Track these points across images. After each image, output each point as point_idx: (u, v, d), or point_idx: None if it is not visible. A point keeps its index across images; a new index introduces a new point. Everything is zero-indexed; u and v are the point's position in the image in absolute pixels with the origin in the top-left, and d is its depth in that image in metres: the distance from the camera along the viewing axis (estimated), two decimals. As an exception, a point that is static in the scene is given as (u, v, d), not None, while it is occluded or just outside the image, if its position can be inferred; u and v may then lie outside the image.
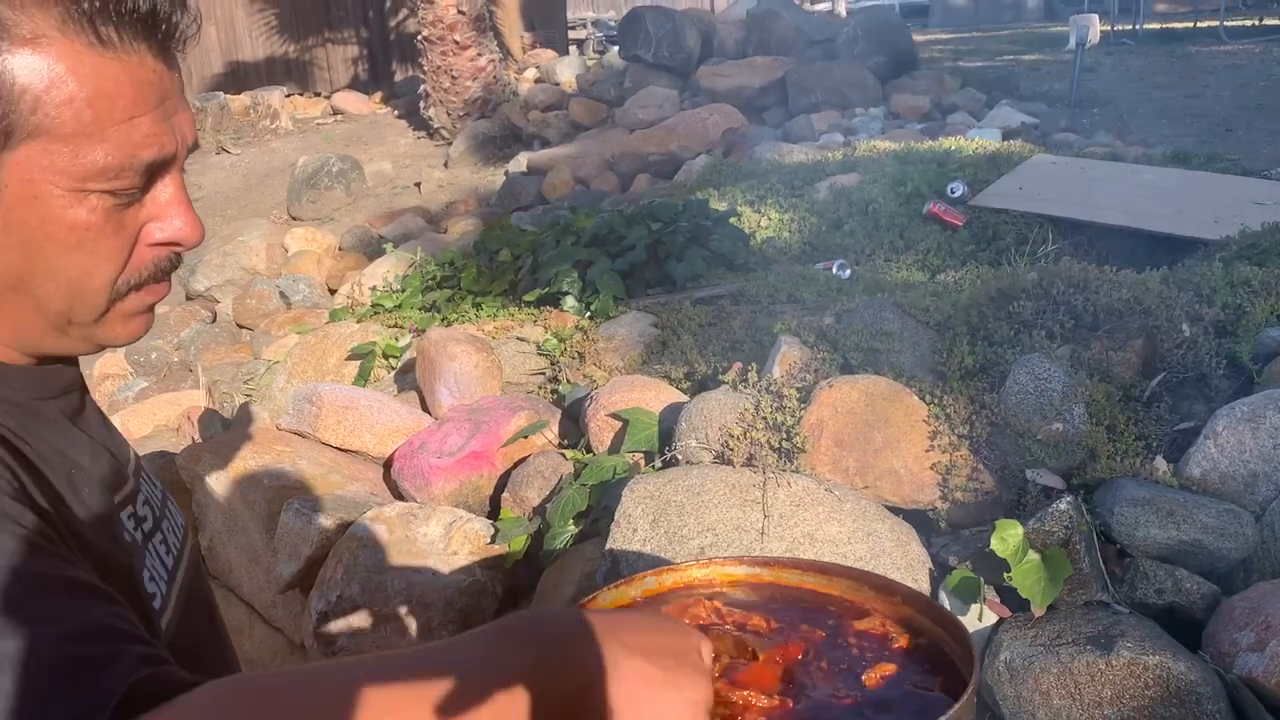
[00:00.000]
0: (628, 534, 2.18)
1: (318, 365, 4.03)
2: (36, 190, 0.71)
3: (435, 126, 10.30)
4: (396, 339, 4.02)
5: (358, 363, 3.90)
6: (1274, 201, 4.11)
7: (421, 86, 10.41)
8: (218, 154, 10.68)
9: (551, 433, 2.91)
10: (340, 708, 0.57)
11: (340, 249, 7.47)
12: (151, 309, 0.82)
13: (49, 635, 0.59)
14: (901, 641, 1.03)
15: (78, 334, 0.77)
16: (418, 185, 9.21)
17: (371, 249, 7.15)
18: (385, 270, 5.47)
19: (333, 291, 6.62)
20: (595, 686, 0.65)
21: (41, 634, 0.59)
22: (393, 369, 3.90)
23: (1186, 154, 5.08)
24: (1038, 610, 2.02)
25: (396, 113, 11.60)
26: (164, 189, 0.77)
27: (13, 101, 0.69)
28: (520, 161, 8.58)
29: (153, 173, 0.76)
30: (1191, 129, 7.23)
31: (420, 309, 4.38)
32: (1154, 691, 1.86)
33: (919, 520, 2.31)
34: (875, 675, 0.97)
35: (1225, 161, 4.95)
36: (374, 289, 5.24)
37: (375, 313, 4.56)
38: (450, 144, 9.88)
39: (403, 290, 4.77)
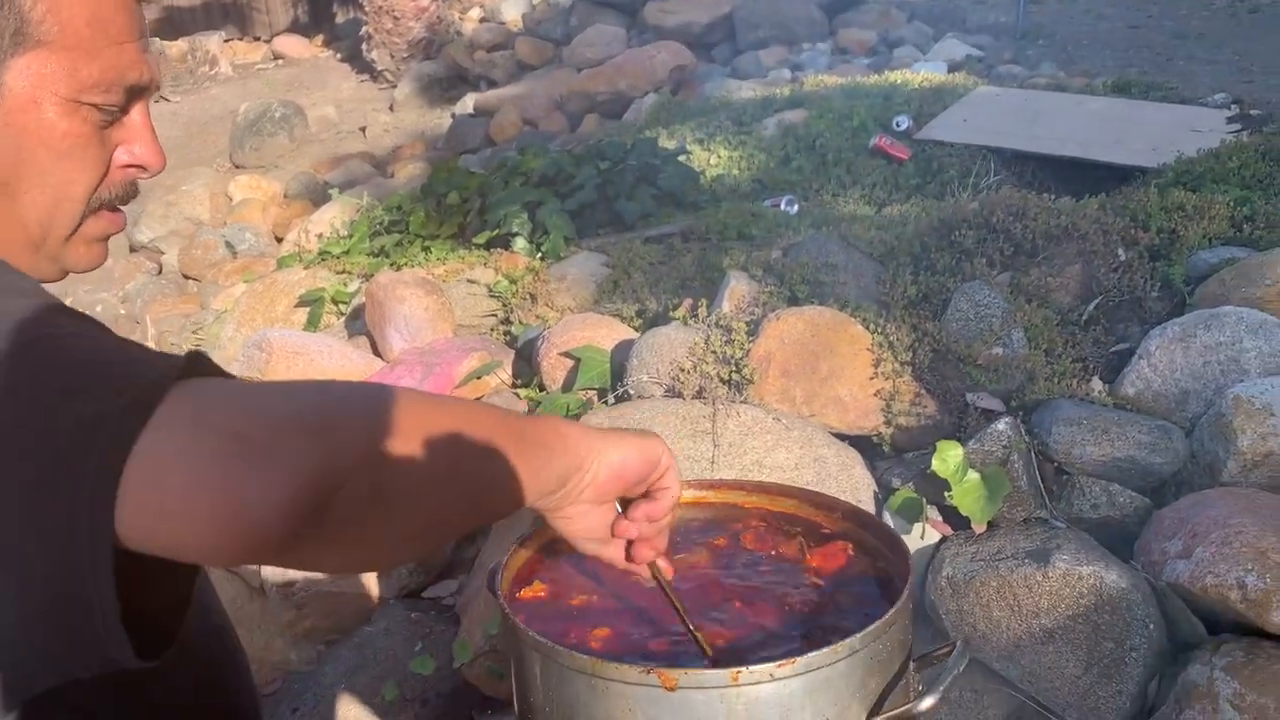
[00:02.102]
0: (581, 468, 2.21)
1: (266, 313, 3.99)
2: (37, 95, 0.78)
3: (379, 69, 10.09)
4: (345, 284, 3.99)
5: (307, 309, 3.88)
6: (1210, 129, 4.19)
7: (364, 28, 10.16)
8: (156, 102, 10.38)
9: (505, 373, 2.93)
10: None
11: (286, 196, 7.34)
12: (106, 241, 0.88)
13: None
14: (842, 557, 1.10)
15: (47, 254, 0.83)
16: (363, 130, 9.05)
17: (318, 195, 7.03)
18: (332, 216, 5.39)
19: (280, 240, 6.51)
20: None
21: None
22: (342, 315, 3.88)
23: (1128, 83, 5.14)
24: (978, 527, 2.10)
25: (339, 56, 11.32)
26: (136, 114, 0.85)
27: (26, 10, 0.76)
28: (467, 103, 8.45)
29: (131, 96, 0.83)
30: (1134, 59, 7.29)
31: (369, 254, 4.34)
32: (1088, 600, 1.94)
33: (864, 445, 2.38)
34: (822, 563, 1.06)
35: (1165, 90, 5.02)
36: (321, 236, 5.18)
37: (323, 259, 4.51)
38: (395, 87, 9.69)
39: (350, 236, 4.72)
